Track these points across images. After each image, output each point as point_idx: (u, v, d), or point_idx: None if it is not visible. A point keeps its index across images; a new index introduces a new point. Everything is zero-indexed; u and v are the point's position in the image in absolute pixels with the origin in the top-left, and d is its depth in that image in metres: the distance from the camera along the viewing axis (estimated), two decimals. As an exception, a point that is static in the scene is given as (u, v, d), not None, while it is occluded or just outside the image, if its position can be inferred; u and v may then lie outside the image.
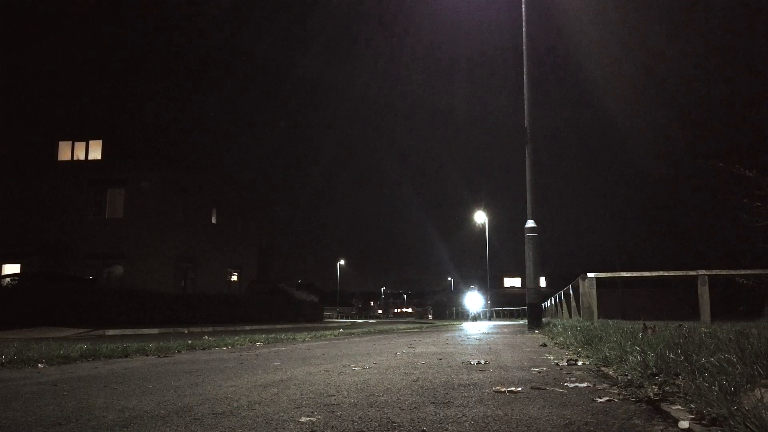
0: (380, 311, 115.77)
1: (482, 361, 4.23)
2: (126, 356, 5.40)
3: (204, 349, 6.44)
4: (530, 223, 11.21)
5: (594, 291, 10.62)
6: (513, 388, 2.75)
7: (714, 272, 10.23)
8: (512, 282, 71.36)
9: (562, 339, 6.22)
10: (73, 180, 26.10)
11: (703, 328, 4.63)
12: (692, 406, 1.94)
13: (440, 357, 4.78)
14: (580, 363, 3.87)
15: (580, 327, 6.69)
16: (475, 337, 8.86)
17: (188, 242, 27.59)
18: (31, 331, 12.83)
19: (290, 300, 31.04)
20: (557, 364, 3.95)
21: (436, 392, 2.73)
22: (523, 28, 12.31)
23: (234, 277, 32.12)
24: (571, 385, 2.83)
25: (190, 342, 6.88)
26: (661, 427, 1.84)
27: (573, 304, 12.78)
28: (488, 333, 10.67)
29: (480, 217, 42.83)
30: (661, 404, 2.10)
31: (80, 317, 15.26)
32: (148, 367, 4.26)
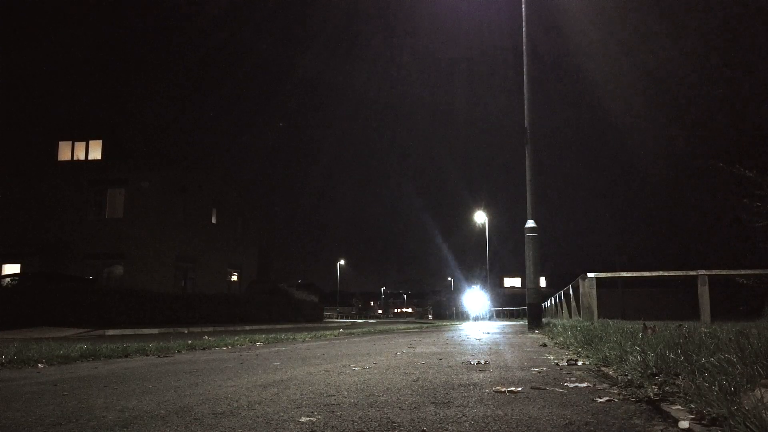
0: (380, 311, 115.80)
1: (482, 361, 4.23)
2: (126, 356, 5.40)
3: (204, 349, 6.44)
4: (530, 223, 11.21)
5: (594, 291, 10.63)
6: (513, 388, 2.75)
7: (714, 272, 10.23)
8: (512, 282, 71.40)
9: (562, 339, 6.22)
10: (73, 180, 26.10)
11: (703, 328, 4.63)
12: (692, 406, 1.94)
13: (440, 357, 4.78)
14: (580, 363, 3.87)
15: (580, 327, 6.69)
16: (474, 337, 8.86)
17: (188, 242, 27.60)
18: (31, 331, 12.83)
19: (290, 300, 31.04)
20: (557, 364, 3.95)
21: (436, 392, 2.73)
22: (523, 28, 12.31)
23: (234, 277, 32.13)
24: (571, 385, 2.83)
25: (190, 342, 6.88)
26: (661, 427, 1.84)
27: (573, 304, 12.79)
28: (488, 333, 10.67)
29: (480, 217, 42.86)
30: (661, 404, 2.10)
31: (80, 317, 15.26)
32: (148, 367, 4.26)
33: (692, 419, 1.78)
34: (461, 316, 54.18)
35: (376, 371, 3.73)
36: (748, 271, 9.74)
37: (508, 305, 53.72)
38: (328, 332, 11.18)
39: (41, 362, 4.65)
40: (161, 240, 25.91)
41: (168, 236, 26.36)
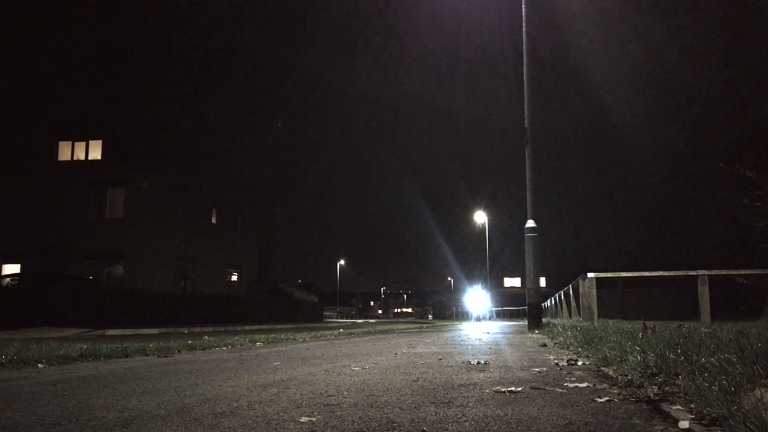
0: (380, 311, 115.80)
1: (482, 361, 4.23)
2: (126, 356, 5.40)
3: (204, 349, 6.44)
4: (530, 223, 11.20)
5: (594, 291, 10.64)
6: (513, 388, 2.75)
7: (714, 272, 10.24)
8: (512, 282, 71.39)
9: (562, 339, 6.22)
10: (73, 180, 26.10)
11: (703, 328, 4.64)
12: (692, 406, 1.94)
13: (440, 357, 4.78)
14: (580, 363, 3.87)
15: (580, 327, 6.70)
16: (474, 337, 8.86)
17: (188, 242, 27.59)
18: (31, 331, 12.83)
19: (290, 300, 31.05)
20: (557, 364, 3.95)
21: (436, 392, 2.73)
22: (523, 28, 12.31)
23: (234, 277, 32.13)
24: (571, 385, 2.83)
25: (190, 342, 6.88)
26: (661, 427, 1.84)
27: (573, 304, 12.79)
28: (488, 333, 10.67)
29: (480, 217, 42.86)
30: (661, 404, 2.10)
31: (80, 317, 15.26)
32: (148, 367, 4.26)
33: (692, 419, 1.78)
34: (461, 316, 54.17)
35: (376, 371, 3.73)
36: (748, 271, 9.75)
37: (508, 305, 53.73)
38: (328, 332, 11.18)
39: (41, 362, 4.65)
40: (161, 240, 25.91)
41: (168, 236, 26.36)
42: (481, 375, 3.40)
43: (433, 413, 2.18)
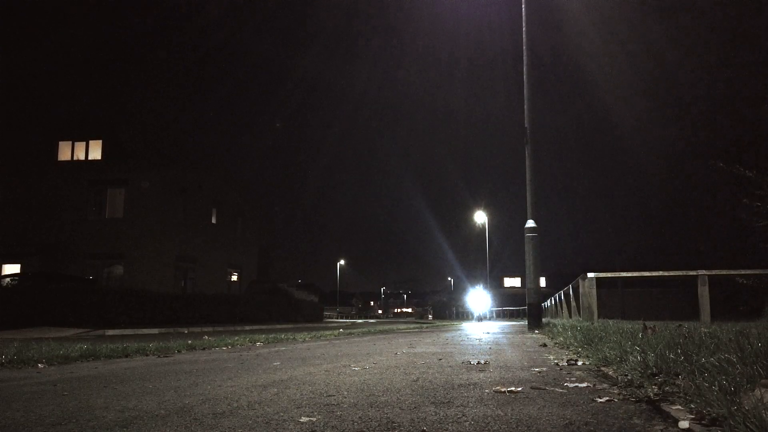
0: (380, 311, 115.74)
1: (482, 361, 4.23)
2: (126, 356, 5.40)
3: (204, 349, 6.44)
4: (530, 223, 11.20)
5: (594, 291, 10.64)
6: (513, 388, 2.75)
7: (714, 272, 10.24)
8: (512, 282, 71.41)
9: (562, 339, 6.22)
10: (73, 180, 26.09)
11: (703, 328, 4.64)
12: (692, 406, 1.94)
13: (440, 357, 4.78)
14: (580, 363, 3.87)
15: (580, 327, 6.70)
16: (474, 337, 8.86)
17: (188, 242, 27.59)
18: (31, 331, 12.83)
19: (290, 300, 31.04)
20: (557, 364, 3.95)
21: (436, 392, 2.73)
22: (523, 28, 12.31)
23: (234, 277, 32.13)
24: (571, 385, 2.83)
25: (190, 342, 6.88)
26: (661, 427, 1.84)
27: (573, 304, 12.79)
28: (488, 333, 10.66)
29: (480, 217, 42.87)
30: (661, 404, 2.10)
31: (80, 317, 15.26)
32: (148, 367, 4.26)
33: (692, 419, 1.78)
34: (462, 316, 54.19)
35: (376, 371, 3.73)
36: (748, 271, 9.74)
37: (508, 305, 53.76)
38: (328, 332, 11.18)
39: (41, 362, 4.65)
40: (161, 240, 25.90)
41: (168, 236, 26.35)
42: (481, 375, 3.40)
43: (433, 413, 2.18)
